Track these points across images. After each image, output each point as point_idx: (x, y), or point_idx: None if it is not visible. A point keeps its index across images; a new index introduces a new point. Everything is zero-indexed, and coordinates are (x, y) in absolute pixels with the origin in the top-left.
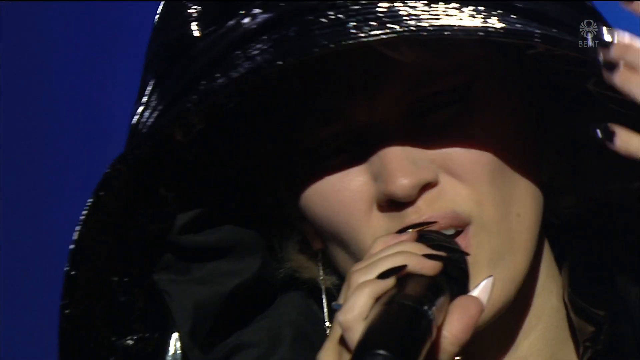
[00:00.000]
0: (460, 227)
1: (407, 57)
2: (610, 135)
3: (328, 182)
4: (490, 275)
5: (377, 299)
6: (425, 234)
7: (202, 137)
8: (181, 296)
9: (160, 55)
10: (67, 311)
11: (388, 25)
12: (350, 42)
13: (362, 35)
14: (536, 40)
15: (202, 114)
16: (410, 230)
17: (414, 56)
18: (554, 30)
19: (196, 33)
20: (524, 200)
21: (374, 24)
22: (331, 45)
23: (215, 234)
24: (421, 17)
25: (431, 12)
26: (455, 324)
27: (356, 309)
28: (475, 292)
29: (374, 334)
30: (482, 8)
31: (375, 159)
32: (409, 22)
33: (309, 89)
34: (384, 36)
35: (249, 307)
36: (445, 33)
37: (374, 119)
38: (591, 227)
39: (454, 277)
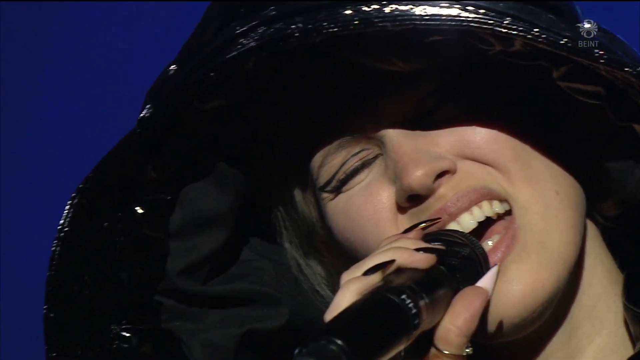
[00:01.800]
0: (496, 199)
1: (400, 67)
2: None
3: (351, 201)
4: (495, 264)
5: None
6: (438, 233)
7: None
8: (193, 340)
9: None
10: (52, 354)
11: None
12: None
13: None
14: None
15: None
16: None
17: (406, 65)
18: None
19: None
20: (557, 178)
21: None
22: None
23: (233, 284)
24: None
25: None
26: (458, 316)
27: (341, 306)
28: (480, 282)
29: (338, 321)
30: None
31: (389, 164)
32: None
33: (319, 116)
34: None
35: (282, 353)
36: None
37: (382, 128)
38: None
39: (460, 270)
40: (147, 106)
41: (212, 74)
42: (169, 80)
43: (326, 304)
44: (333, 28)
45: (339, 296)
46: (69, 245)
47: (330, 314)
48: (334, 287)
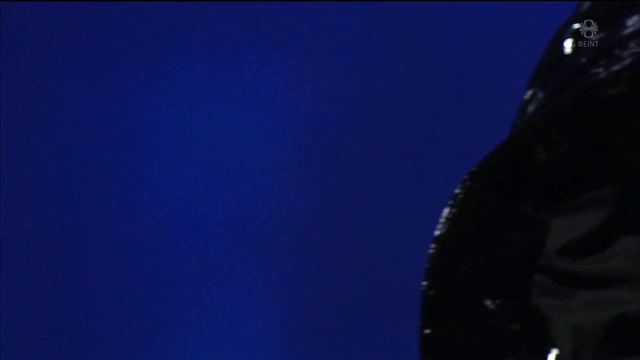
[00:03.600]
0: None
1: None
2: None
3: None
4: None
5: None
6: None
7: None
8: (561, 320)
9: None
10: (427, 331)
11: None
12: None
13: None
14: None
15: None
16: None
17: None
18: None
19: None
20: None
21: None
22: None
23: (605, 264)
24: None
25: None
26: None
27: None
28: None
29: None
30: None
31: None
32: None
33: None
34: None
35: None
36: None
37: None
38: None
39: None
40: (538, 87)
41: (625, 73)
42: (565, 61)
43: None
44: None
45: None
46: (455, 225)
47: None
48: None
